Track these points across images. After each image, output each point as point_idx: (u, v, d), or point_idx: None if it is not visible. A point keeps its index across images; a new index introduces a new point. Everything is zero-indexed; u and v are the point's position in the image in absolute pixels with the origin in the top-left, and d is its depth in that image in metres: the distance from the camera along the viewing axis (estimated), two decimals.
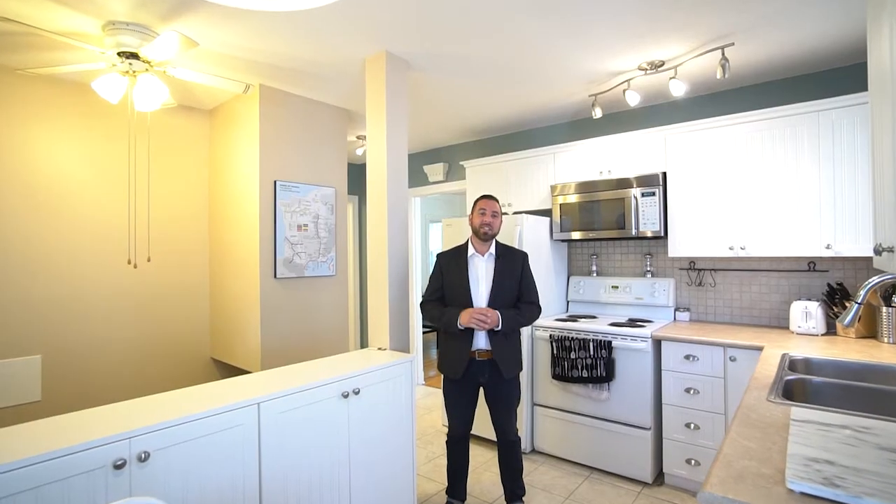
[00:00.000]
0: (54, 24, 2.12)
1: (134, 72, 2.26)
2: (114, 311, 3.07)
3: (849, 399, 1.64)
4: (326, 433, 1.92)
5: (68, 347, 2.89)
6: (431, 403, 4.34)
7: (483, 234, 2.35)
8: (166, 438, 1.43)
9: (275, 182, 3.10)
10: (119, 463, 1.31)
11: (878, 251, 1.32)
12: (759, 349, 2.41)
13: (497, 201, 2.42)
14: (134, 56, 2.20)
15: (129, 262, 2.41)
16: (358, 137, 4.34)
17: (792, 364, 2.03)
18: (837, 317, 2.55)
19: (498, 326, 2.25)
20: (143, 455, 1.36)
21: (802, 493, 0.89)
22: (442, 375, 2.45)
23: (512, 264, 2.39)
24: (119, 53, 2.19)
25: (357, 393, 2.03)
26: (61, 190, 2.88)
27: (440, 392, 4.62)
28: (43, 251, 2.80)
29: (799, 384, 1.74)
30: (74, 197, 2.93)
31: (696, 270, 3.21)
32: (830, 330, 2.63)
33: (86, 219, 2.96)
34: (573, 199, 3.35)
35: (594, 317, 3.41)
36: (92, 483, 1.28)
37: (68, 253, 2.89)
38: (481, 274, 2.35)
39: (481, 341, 2.31)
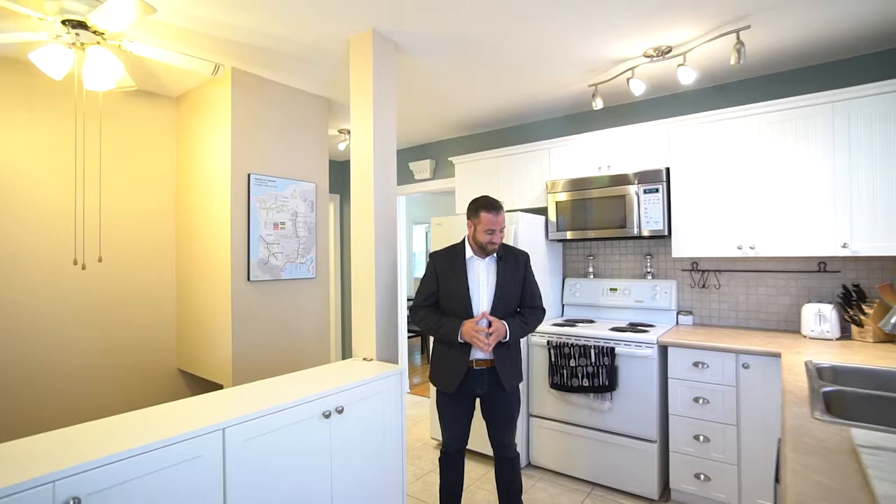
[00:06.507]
0: None
1: (82, 44, 1.96)
2: (64, 318, 2.72)
3: (892, 413, 1.47)
4: (305, 460, 1.66)
5: (10, 360, 2.53)
6: (418, 414, 4.09)
7: (489, 250, 2.11)
8: (104, 479, 1.15)
9: (248, 175, 2.82)
10: None
11: None
12: (776, 356, 2.25)
13: (502, 210, 2.10)
14: (82, 25, 1.90)
15: (76, 263, 2.10)
16: (340, 131, 4.08)
17: (820, 373, 1.87)
18: (853, 320, 2.41)
19: (506, 338, 2.03)
20: (72, 502, 1.09)
21: None
22: (433, 386, 2.22)
23: (514, 266, 2.17)
24: (64, 22, 1.89)
25: (340, 412, 1.78)
26: None
27: (427, 402, 4.38)
28: None
29: (837, 397, 1.56)
30: (13, 188, 2.57)
31: (699, 272, 3.05)
32: (845, 334, 2.49)
33: (27, 213, 2.61)
34: (570, 196, 3.15)
35: (592, 321, 3.22)
36: None
37: (8, 252, 2.54)
38: (482, 278, 2.12)
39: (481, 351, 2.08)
